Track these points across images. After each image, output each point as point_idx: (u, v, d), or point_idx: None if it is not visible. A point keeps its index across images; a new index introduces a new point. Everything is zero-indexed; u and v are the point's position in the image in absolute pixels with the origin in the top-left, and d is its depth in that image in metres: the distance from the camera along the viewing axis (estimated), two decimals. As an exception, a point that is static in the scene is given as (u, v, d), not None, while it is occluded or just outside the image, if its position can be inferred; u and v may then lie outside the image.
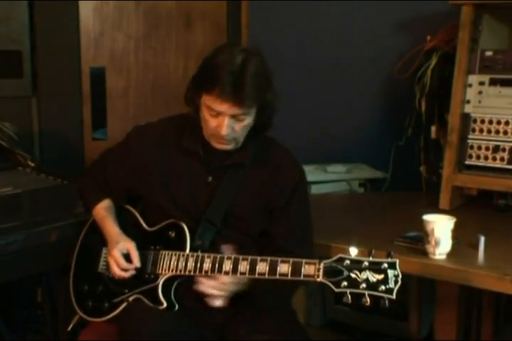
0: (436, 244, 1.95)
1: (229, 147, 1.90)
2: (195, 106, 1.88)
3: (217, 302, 1.84)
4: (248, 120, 1.85)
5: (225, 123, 1.82)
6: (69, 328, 2.07)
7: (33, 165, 2.67)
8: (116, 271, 1.91)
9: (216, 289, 1.83)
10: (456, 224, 1.97)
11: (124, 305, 1.94)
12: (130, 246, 1.93)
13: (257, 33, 3.30)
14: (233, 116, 1.82)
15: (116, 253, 1.91)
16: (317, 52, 3.21)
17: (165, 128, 2.01)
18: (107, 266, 1.98)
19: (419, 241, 2.03)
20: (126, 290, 1.94)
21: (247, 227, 1.95)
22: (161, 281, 1.89)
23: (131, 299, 1.92)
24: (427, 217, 1.98)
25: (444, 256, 1.97)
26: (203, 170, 1.95)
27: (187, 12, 3.38)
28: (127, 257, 1.92)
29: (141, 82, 3.36)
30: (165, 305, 1.88)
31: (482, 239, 2.01)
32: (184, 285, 1.87)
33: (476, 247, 2.02)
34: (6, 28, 3.00)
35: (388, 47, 3.00)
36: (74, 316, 2.06)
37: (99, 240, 2.02)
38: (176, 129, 1.99)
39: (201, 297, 1.86)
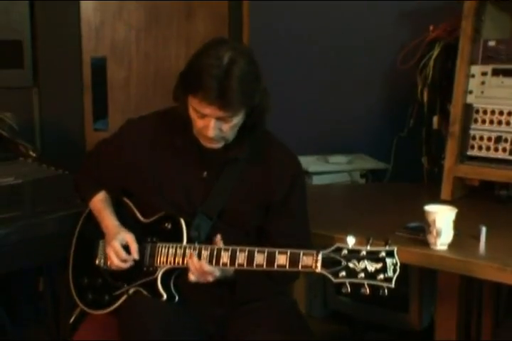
0: (438, 234, 1.95)
1: (218, 146, 1.87)
2: (183, 104, 1.85)
3: (193, 279, 1.83)
4: (236, 120, 1.82)
5: (211, 125, 1.79)
6: (71, 320, 2.07)
7: (34, 155, 2.67)
8: (115, 262, 1.91)
9: (196, 274, 1.82)
10: (457, 215, 1.97)
11: (124, 297, 1.94)
12: (129, 238, 1.92)
13: (258, 22, 3.29)
14: (219, 118, 1.79)
15: (116, 244, 1.91)
16: (318, 43, 3.19)
17: (158, 123, 1.99)
18: (105, 259, 1.98)
19: (421, 231, 2.02)
20: (126, 284, 1.94)
21: (243, 222, 1.94)
22: (159, 274, 1.89)
23: (131, 292, 1.93)
24: (428, 208, 1.98)
25: (445, 247, 1.97)
26: (197, 165, 1.93)
27: (188, 1, 3.36)
28: (126, 249, 1.92)
29: (142, 72, 3.35)
30: (165, 297, 1.88)
31: (483, 229, 2.01)
32: (183, 277, 1.86)
33: (477, 238, 2.01)
34: (6, 17, 2.99)
35: (390, 37, 2.99)
36: (75, 308, 2.06)
37: (96, 231, 2.02)
38: (169, 124, 1.96)
39: (201, 288, 1.86)
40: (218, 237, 1.84)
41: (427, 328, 2.80)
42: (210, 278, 1.83)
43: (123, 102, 3.35)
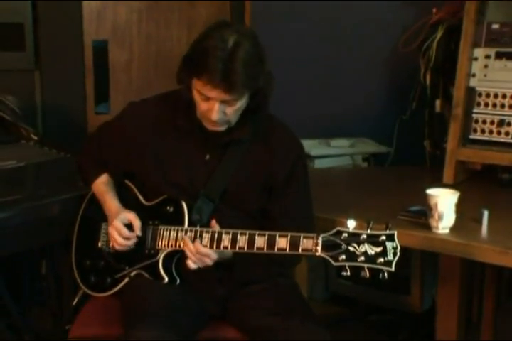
0: (440, 218, 1.95)
1: (221, 129, 1.87)
2: (187, 87, 1.85)
3: (192, 266, 1.85)
4: (240, 104, 1.82)
5: (215, 108, 1.79)
6: (74, 303, 2.09)
7: (36, 138, 2.67)
8: (119, 240, 1.91)
9: (194, 259, 1.83)
10: (459, 199, 1.97)
11: (126, 280, 1.95)
12: (131, 216, 1.93)
13: (259, 6, 3.26)
14: (224, 101, 1.79)
15: (118, 222, 1.92)
16: (320, 26, 3.17)
17: (160, 106, 1.98)
18: (107, 241, 1.99)
19: (423, 215, 2.03)
20: (127, 266, 1.95)
21: (245, 204, 1.94)
22: (161, 256, 1.90)
23: (132, 274, 1.94)
24: (430, 191, 1.98)
25: (447, 230, 1.97)
26: (200, 148, 1.93)
27: (190, -16, 3.34)
28: (128, 227, 1.92)
29: (144, 55, 3.33)
30: (166, 279, 1.89)
31: (485, 213, 2.01)
32: (184, 260, 1.87)
33: (479, 221, 2.02)
34: (7, 0, 2.97)
35: (393, 19, 2.97)
36: (78, 291, 2.08)
37: (99, 214, 2.02)
38: (172, 106, 1.96)
39: (201, 269, 1.86)
40: (213, 222, 1.85)
41: (428, 311, 2.82)
42: (209, 262, 1.84)
43: (125, 85, 3.34)
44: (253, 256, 1.82)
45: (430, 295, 2.82)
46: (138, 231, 1.92)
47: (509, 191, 2.41)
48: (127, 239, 1.92)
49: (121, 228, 1.91)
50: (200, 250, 1.81)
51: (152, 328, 1.76)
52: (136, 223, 1.92)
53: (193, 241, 1.83)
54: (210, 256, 1.83)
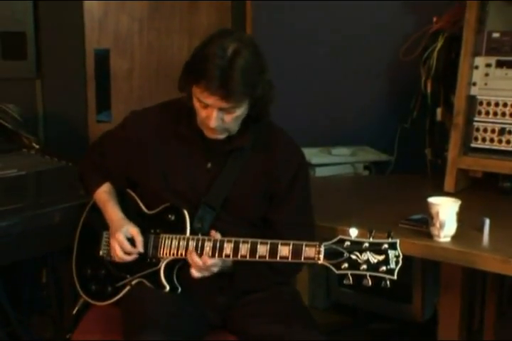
0: (441, 226, 1.95)
1: (220, 137, 1.88)
2: (187, 94, 1.86)
3: (197, 274, 1.85)
4: (239, 112, 1.82)
5: (213, 115, 1.79)
6: (74, 311, 2.08)
7: (37, 147, 2.67)
8: (119, 254, 1.92)
9: (198, 269, 1.84)
10: (460, 207, 1.97)
11: (127, 288, 1.95)
12: (134, 231, 1.93)
13: (261, 13, 3.28)
14: (222, 109, 1.79)
15: (121, 236, 1.91)
16: (321, 34, 3.18)
17: (162, 114, 1.99)
18: (108, 250, 1.98)
19: (424, 223, 2.02)
20: (128, 275, 1.95)
21: (246, 212, 1.94)
22: (162, 265, 1.90)
23: (133, 283, 1.93)
24: (431, 200, 1.98)
25: (448, 239, 1.97)
26: (201, 156, 1.94)
27: (191, -7, 3.35)
28: (130, 241, 1.92)
29: (145, 63, 3.35)
30: (168, 288, 1.89)
31: (487, 221, 2.01)
32: (186, 268, 1.87)
33: (480, 230, 2.01)
34: (9, 9, 2.98)
35: (394, 28, 2.98)
36: (79, 299, 2.07)
37: (100, 222, 2.02)
38: (174, 115, 1.96)
39: (203, 279, 1.86)
40: (213, 232, 1.85)
41: (429, 320, 2.81)
42: (215, 269, 1.84)
43: (126, 94, 3.35)
44: (254, 265, 1.82)
45: (432, 303, 2.81)
46: (140, 248, 1.92)
47: (510, 199, 2.41)
48: (128, 253, 1.92)
49: (124, 242, 1.91)
50: (208, 263, 1.82)
51: (153, 336, 1.76)
52: (139, 238, 1.92)
53: (200, 254, 1.83)
54: (217, 264, 1.84)
